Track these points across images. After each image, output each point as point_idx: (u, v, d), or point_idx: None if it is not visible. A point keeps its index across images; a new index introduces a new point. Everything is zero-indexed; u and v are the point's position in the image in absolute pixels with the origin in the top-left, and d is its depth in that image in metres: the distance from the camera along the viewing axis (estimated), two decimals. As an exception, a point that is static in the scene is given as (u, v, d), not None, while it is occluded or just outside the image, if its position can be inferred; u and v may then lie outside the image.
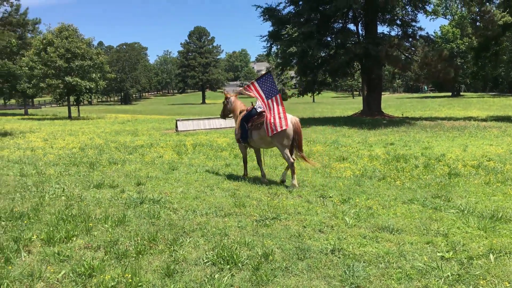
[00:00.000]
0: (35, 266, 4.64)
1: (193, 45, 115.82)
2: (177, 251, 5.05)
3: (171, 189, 8.36)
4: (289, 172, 8.98)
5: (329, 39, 31.93)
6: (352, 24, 32.62)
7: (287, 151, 8.72)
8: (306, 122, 28.91)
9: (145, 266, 4.66)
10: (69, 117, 41.47)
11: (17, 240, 5.29)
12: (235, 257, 4.77)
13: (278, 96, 8.75)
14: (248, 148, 9.99)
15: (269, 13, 31.21)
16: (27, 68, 37.70)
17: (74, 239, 5.42)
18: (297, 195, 7.90)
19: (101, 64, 40.75)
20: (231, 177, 9.65)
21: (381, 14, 30.67)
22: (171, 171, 10.47)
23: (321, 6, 29.17)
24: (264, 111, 8.93)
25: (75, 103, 43.96)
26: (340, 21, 31.85)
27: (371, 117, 29.78)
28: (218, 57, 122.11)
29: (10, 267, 4.58)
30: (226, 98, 10.26)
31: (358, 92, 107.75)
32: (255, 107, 9.49)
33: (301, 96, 35.12)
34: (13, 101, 68.35)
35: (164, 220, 6.25)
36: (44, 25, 51.47)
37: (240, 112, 9.82)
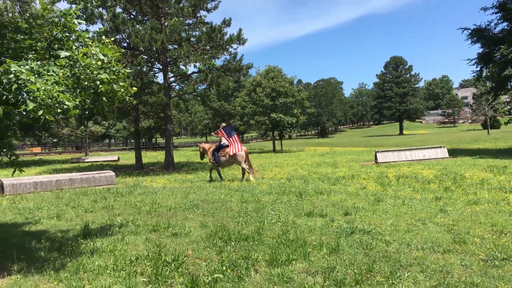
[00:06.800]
0: (263, 284, 5.09)
1: (389, 75, 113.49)
2: (396, 285, 4.89)
3: (380, 220, 8.21)
4: (246, 174, 16.68)
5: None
6: None
7: (243, 164, 16.39)
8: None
9: (364, 296, 4.64)
10: (274, 150, 45.11)
11: (246, 259, 5.91)
12: (464, 298, 4.35)
13: (235, 135, 16.52)
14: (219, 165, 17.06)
15: (478, 34, 28.46)
16: (239, 108, 42.86)
17: (294, 262, 5.77)
18: (530, 235, 6.82)
19: (301, 100, 43.45)
20: (444, 211, 8.95)
21: None
22: (377, 203, 10.30)
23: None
24: (227, 145, 16.43)
25: (278, 137, 47.66)
26: None
27: None
28: (417, 85, 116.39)
29: (243, 283, 5.14)
30: (199, 148, 18.17)
31: None
32: (221, 143, 16.78)
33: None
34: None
35: (377, 251, 6.15)
36: (255, 68, 58.70)
37: (209, 148, 17.26)
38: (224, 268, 5.58)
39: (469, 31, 28.97)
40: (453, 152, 26.95)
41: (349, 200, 10.79)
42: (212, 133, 19.31)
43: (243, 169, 16.56)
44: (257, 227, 7.80)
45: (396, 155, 23.44)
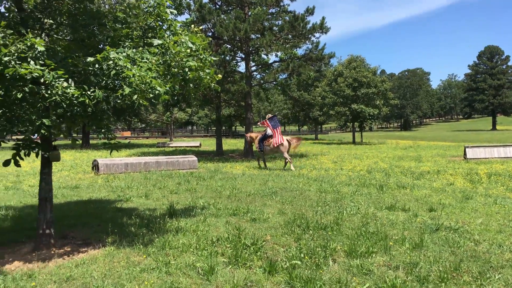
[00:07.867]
0: (341, 274, 5.04)
1: (483, 66, 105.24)
2: (485, 286, 4.60)
3: (468, 219, 7.73)
4: (288, 164, 17.64)
5: None
6: None
7: (286, 154, 17.50)
8: None
9: (450, 295, 4.42)
10: (353, 142, 44.11)
11: (324, 248, 5.89)
12: None
13: (279, 127, 17.89)
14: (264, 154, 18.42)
15: None
16: (319, 98, 42.34)
17: (374, 255, 5.64)
18: None
19: (384, 91, 41.85)
20: (543, 213, 8.20)
21: None
22: (465, 200, 9.70)
23: None
24: (271, 135, 17.62)
25: (358, 129, 46.43)
26: None
27: None
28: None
29: (321, 271, 5.13)
30: (246, 137, 20.98)
31: None
32: (266, 133, 17.93)
33: None
34: (305, 127, 77.95)
35: (465, 250, 5.80)
36: (336, 58, 57.40)
37: (256, 137, 18.68)
38: (302, 255, 5.61)
39: None
40: (555, 151, 24.45)
41: (434, 196, 10.27)
42: (258, 123, 20.78)
43: (286, 158, 17.74)
44: (336, 217, 7.72)
45: (488, 151, 21.80)
